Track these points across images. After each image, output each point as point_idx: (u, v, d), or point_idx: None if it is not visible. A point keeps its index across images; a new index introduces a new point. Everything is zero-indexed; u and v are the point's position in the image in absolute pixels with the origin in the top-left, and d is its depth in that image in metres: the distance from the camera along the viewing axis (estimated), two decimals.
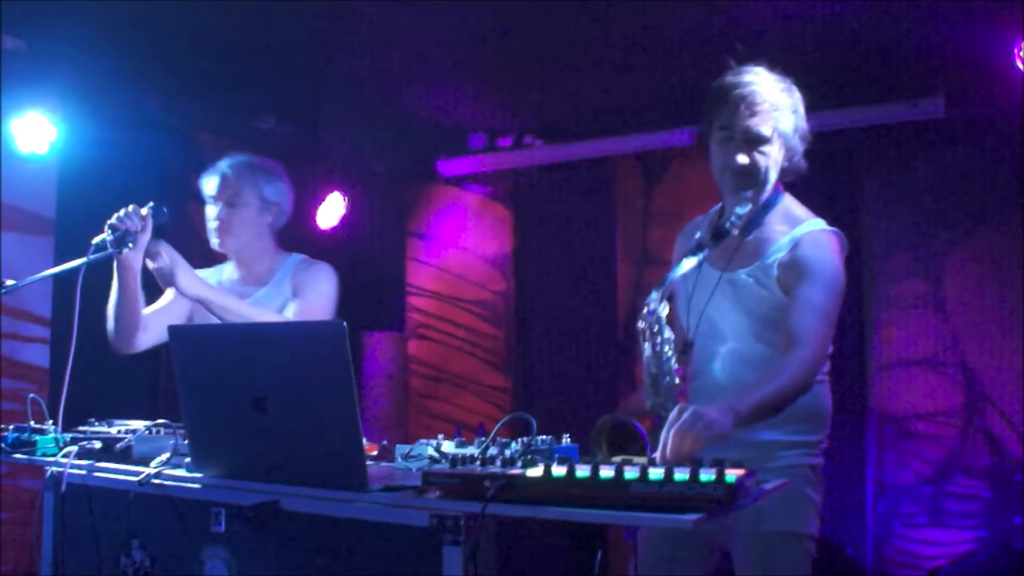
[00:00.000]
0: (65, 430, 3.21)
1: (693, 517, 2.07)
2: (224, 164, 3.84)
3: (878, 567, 5.84)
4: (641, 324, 2.79)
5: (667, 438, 2.39)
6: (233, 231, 3.77)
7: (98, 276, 3.71)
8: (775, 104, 2.97)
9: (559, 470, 2.25)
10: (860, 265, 5.91)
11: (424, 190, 7.42)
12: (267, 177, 3.86)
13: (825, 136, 5.87)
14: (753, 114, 2.93)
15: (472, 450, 2.87)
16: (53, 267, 3.46)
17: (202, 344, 2.73)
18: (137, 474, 2.82)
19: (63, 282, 3.45)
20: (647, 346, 2.80)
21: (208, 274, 3.89)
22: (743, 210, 2.89)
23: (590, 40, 5.13)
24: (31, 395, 3.31)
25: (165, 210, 3.43)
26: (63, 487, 2.97)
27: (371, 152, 6.95)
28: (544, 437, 2.77)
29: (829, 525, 5.87)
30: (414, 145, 6.96)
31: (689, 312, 3.05)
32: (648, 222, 6.60)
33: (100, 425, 3.32)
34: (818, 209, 3.09)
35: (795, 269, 2.90)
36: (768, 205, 3.03)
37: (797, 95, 3.03)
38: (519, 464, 2.39)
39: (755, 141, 2.95)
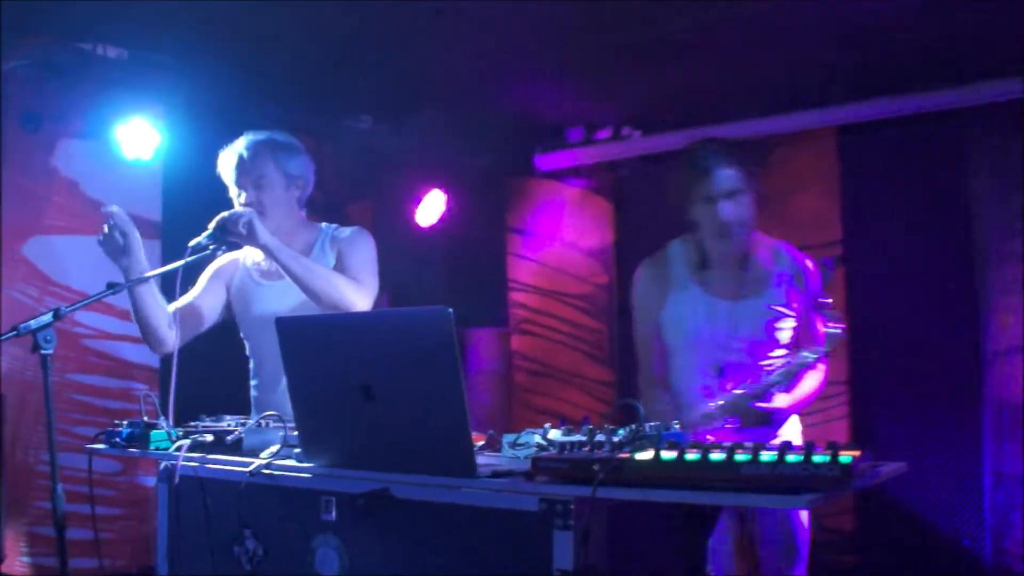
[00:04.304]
0: (177, 425, 3.27)
1: (810, 497, 2.04)
2: (241, 146, 3.73)
3: (997, 559, 5.65)
4: None
5: None
6: (267, 213, 3.62)
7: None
8: None
9: (668, 453, 2.23)
10: (971, 250, 5.73)
11: (522, 185, 7.37)
12: (287, 152, 3.76)
13: (931, 117, 5.83)
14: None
15: (579, 437, 2.86)
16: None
17: (308, 335, 2.76)
18: (248, 465, 2.86)
19: (168, 283, 3.53)
20: None
21: (242, 255, 3.88)
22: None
23: (687, 28, 5.06)
24: (144, 391, 3.37)
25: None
26: (176, 479, 3.03)
27: (468, 149, 6.96)
28: (653, 423, 2.75)
29: (945, 517, 5.73)
30: (511, 140, 6.95)
31: None
32: None
33: (210, 421, 3.37)
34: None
35: None
36: None
37: None
38: (628, 449, 2.37)
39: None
